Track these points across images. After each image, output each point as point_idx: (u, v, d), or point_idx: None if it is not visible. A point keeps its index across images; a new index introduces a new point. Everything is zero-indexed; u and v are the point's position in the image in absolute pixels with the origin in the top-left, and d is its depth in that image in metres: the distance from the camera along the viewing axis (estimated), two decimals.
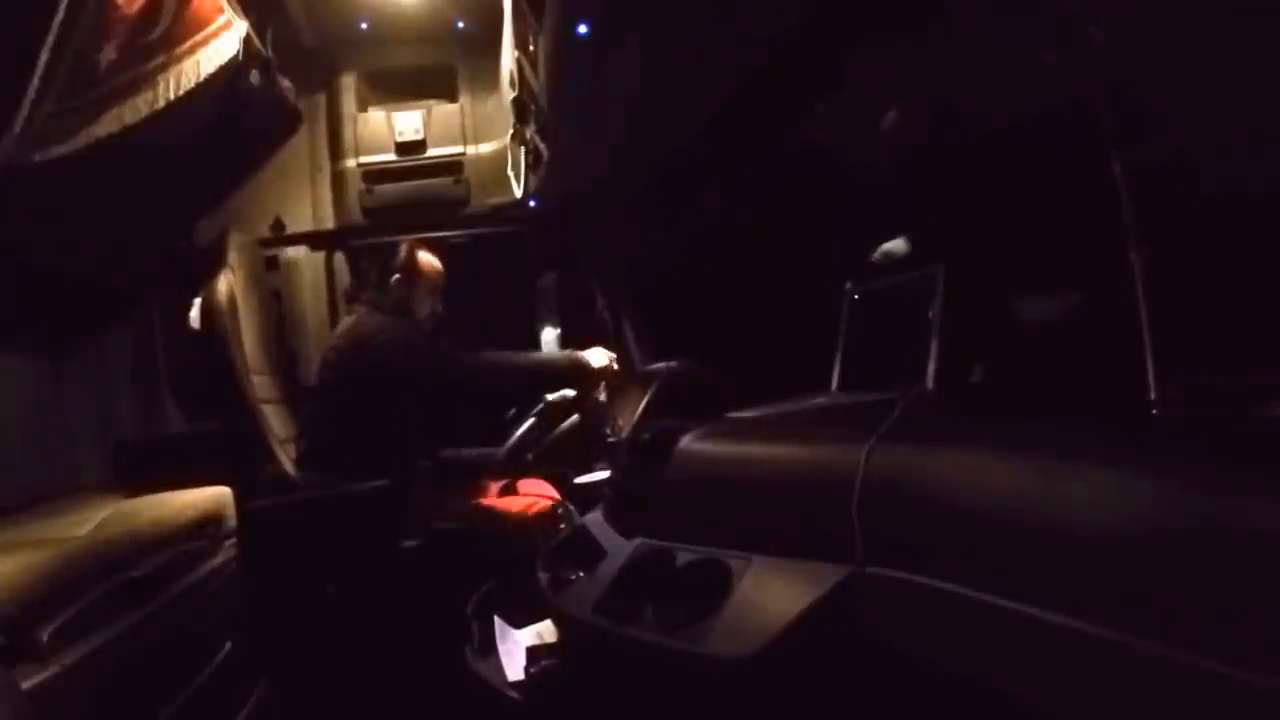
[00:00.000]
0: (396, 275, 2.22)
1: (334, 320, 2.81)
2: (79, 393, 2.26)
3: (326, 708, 1.93)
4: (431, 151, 2.86)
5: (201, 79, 1.80)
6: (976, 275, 1.17)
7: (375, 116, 2.88)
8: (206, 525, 1.87)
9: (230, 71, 1.91)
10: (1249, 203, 0.79)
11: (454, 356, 2.14)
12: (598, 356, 2.20)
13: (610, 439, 2.14)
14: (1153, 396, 0.82)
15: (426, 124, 2.86)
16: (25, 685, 1.12)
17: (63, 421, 2.19)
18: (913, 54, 1.32)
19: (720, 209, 2.08)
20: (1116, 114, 0.92)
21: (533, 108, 1.93)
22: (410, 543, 2.06)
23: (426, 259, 2.27)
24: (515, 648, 1.58)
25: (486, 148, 2.87)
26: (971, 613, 0.68)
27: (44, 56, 1.46)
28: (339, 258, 2.91)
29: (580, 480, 1.93)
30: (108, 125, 1.62)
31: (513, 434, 2.24)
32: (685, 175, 2.04)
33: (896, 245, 1.43)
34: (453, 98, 2.93)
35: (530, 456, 2.27)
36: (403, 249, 2.27)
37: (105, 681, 1.33)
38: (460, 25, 2.84)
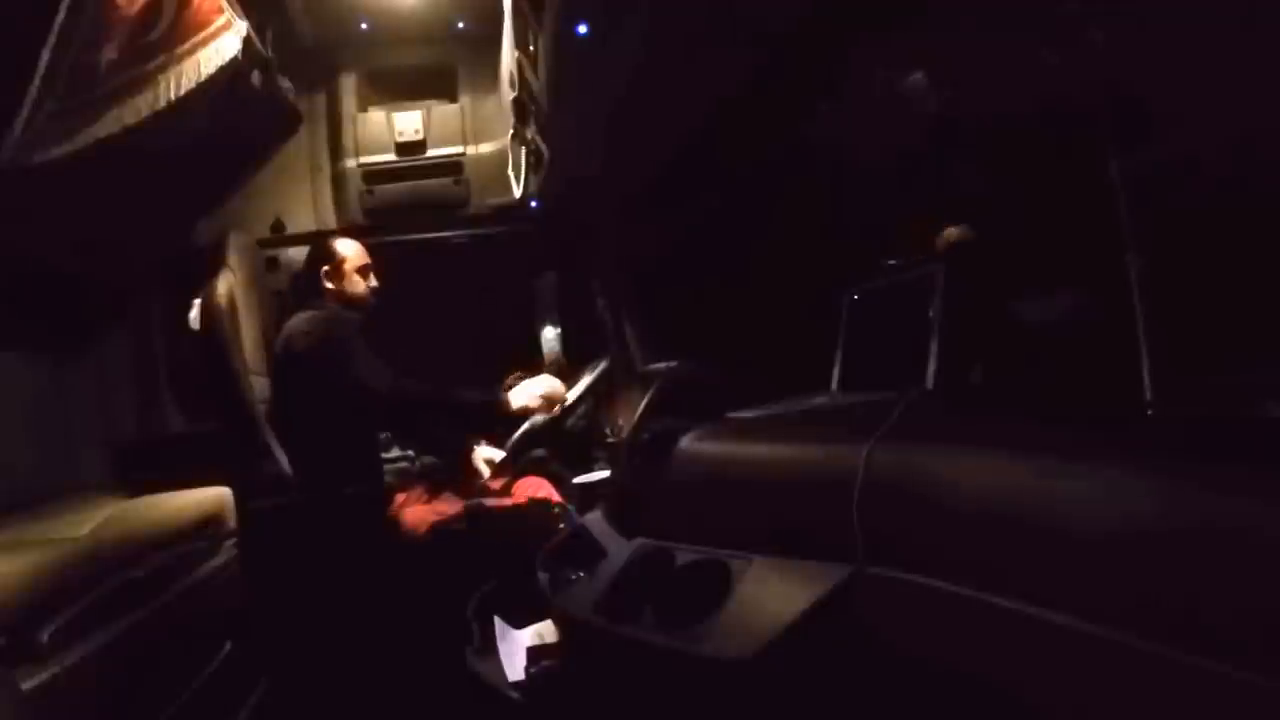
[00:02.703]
0: (325, 267, 2.25)
1: None
2: (79, 393, 2.26)
3: (326, 708, 1.93)
4: (431, 152, 2.86)
5: (202, 79, 1.80)
6: (976, 275, 1.17)
7: (375, 116, 2.87)
8: (206, 525, 1.87)
9: (230, 72, 1.91)
10: (1247, 203, 0.79)
11: (369, 370, 2.03)
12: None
13: (610, 439, 2.14)
14: (1149, 397, 0.82)
15: (426, 124, 2.86)
16: (25, 685, 1.13)
17: (63, 421, 2.19)
18: (913, 54, 1.32)
19: (721, 209, 2.08)
20: (1117, 114, 0.92)
21: (533, 108, 1.93)
22: (410, 543, 2.06)
23: (343, 245, 2.29)
24: (516, 648, 1.58)
25: (486, 148, 2.86)
26: (971, 613, 0.68)
27: (45, 57, 1.46)
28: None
29: (580, 480, 1.93)
30: (108, 126, 1.62)
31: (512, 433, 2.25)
32: (685, 175, 2.04)
33: None
34: (453, 98, 2.92)
35: (531, 455, 2.28)
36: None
37: (105, 681, 1.33)
38: (460, 25, 2.84)
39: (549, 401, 2.11)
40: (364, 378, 2.01)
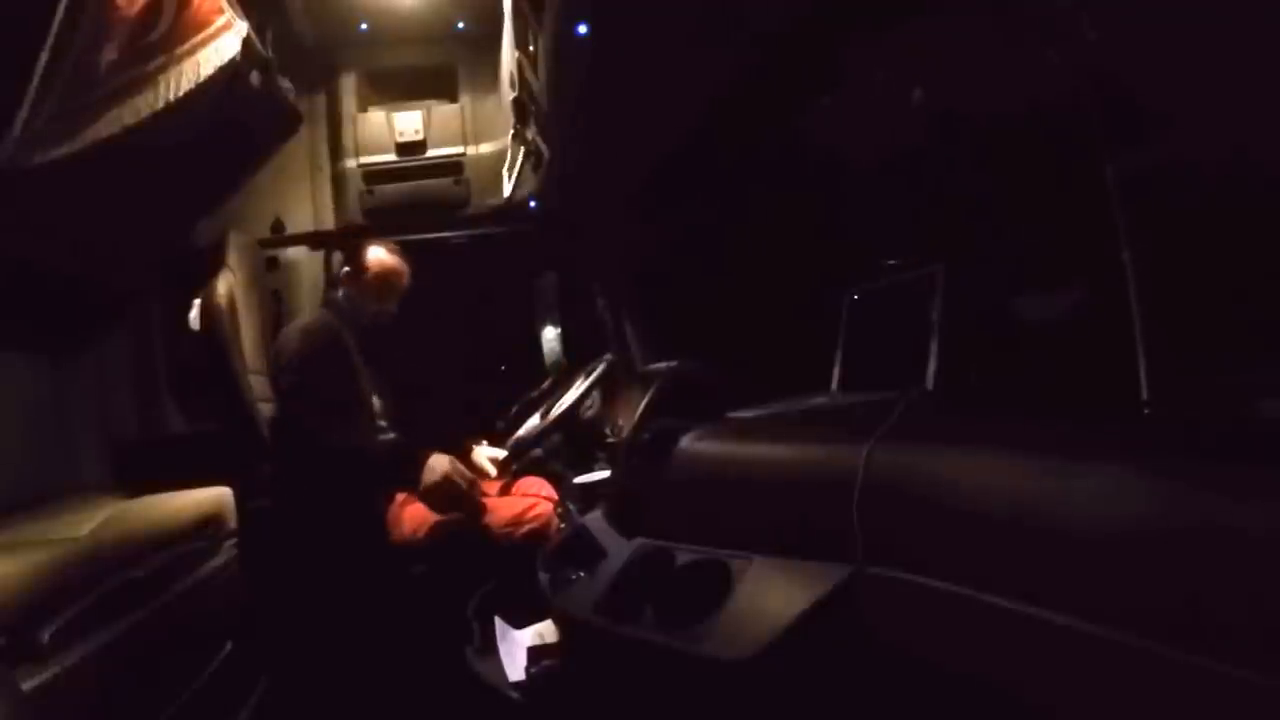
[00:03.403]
0: (345, 270, 2.24)
1: None
2: (79, 393, 2.26)
3: (326, 708, 1.93)
4: (431, 152, 2.86)
5: (201, 80, 1.80)
6: (976, 275, 1.17)
7: (375, 116, 2.87)
8: (206, 525, 1.87)
9: (230, 72, 1.90)
10: (1244, 203, 0.79)
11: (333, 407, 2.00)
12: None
13: (610, 439, 2.14)
14: (1145, 396, 0.83)
15: (426, 124, 2.86)
16: (25, 685, 1.13)
17: (63, 421, 2.19)
18: (912, 53, 1.33)
19: (720, 208, 2.08)
20: (1115, 114, 0.93)
21: (533, 108, 1.93)
22: (410, 543, 2.06)
23: (378, 256, 2.27)
24: (516, 648, 1.58)
25: (486, 148, 2.86)
26: (971, 612, 0.68)
27: (44, 57, 1.46)
28: (339, 258, 2.90)
29: (580, 480, 1.93)
30: (108, 126, 1.62)
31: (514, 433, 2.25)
32: (686, 175, 2.04)
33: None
34: (453, 98, 2.92)
35: (531, 455, 2.28)
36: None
37: (105, 681, 1.33)
38: (460, 25, 2.84)
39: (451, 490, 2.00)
40: (305, 417, 2.01)
